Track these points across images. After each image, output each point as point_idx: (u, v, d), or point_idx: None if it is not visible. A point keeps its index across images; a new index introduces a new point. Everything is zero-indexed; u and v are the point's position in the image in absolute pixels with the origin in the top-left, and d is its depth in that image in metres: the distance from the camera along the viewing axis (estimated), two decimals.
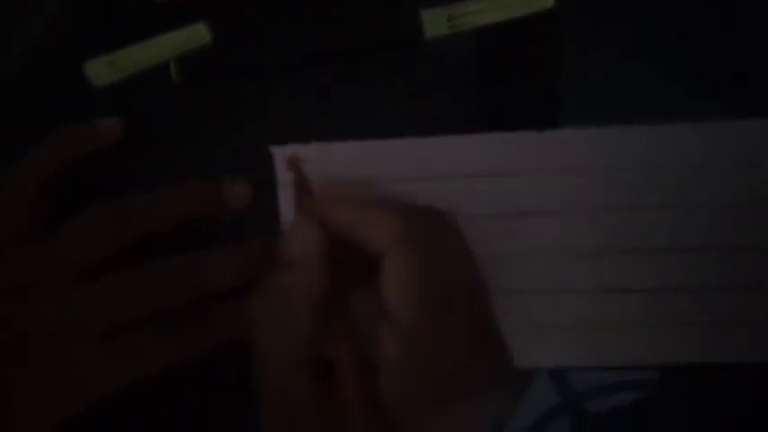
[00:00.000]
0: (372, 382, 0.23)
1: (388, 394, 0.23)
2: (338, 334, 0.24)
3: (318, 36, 0.32)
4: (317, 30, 0.32)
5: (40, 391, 0.27)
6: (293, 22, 0.33)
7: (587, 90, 0.33)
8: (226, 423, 0.33)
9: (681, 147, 0.31)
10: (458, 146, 0.32)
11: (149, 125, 0.33)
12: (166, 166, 0.33)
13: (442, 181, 0.32)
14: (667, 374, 0.37)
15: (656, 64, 0.33)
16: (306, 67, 0.32)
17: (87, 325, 0.28)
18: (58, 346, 0.27)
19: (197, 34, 0.32)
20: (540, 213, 0.32)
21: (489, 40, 0.32)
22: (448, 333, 0.23)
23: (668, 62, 0.33)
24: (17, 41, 0.33)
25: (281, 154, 0.32)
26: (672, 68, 0.33)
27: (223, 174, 0.32)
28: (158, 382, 0.28)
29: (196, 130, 0.33)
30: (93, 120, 0.31)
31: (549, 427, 0.42)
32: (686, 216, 0.31)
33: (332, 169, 0.31)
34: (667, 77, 0.33)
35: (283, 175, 0.32)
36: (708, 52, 0.33)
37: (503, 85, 0.33)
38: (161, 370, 0.28)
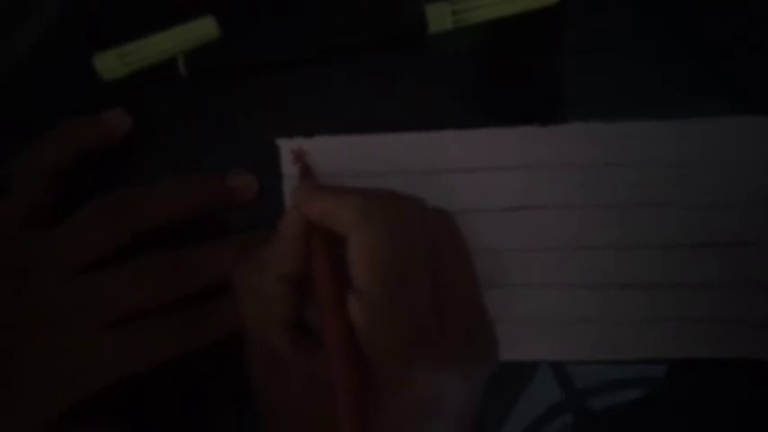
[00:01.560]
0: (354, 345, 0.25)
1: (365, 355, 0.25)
2: (322, 302, 0.26)
3: (324, 31, 0.32)
4: (323, 25, 0.33)
5: (42, 377, 0.28)
6: (299, 19, 0.33)
7: (589, 87, 0.33)
8: (223, 417, 0.33)
9: (684, 143, 0.31)
10: (461, 140, 0.32)
11: (157, 119, 0.33)
12: (173, 160, 0.33)
13: (445, 175, 0.32)
14: (671, 371, 0.37)
15: (658, 64, 0.33)
16: (311, 63, 0.33)
17: (91, 314, 0.28)
18: (62, 334, 0.28)
19: (205, 29, 0.32)
20: (543, 208, 0.32)
21: (492, 36, 0.33)
22: (406, 302, 0.25)
23: (670, 62, 0.33)
24: (26, 35, 0.33)
25: (286, 147, 0.32)
26: (674, 69, 0.33)
27: (229, 167, 0.32)
28: (158, 375, 0.28)
29: (203, 123, 0.33)
30: (103, 112, 0.32)
31: (552, 424, 0.42)
32: (689, 211, 0.31)
33: (336, 162, 0.32)
34: (669, 78, 0.33)
35: (289, 168, 0.32)
36: (710, 52, 0.33)
37: (506, 82, 0.33)
38: (165, 362, 0.28)
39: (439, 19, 0.31)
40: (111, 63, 0.32)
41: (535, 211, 0.32)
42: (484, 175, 0.32)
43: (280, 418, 0.26)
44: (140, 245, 0.29)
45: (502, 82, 0.33)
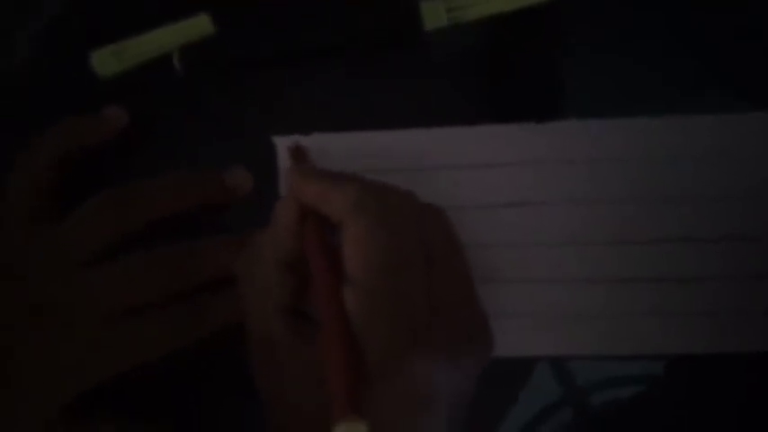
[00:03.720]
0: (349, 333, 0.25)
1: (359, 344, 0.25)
2: (317, 287, 0.26)
3: (319, 28, 0.32)
4: (318, 22, 0.33)
5: (42, 376, 0.28)
6: (294, 15, 0.33)
7: (589, 87, 0.33)
8: (219, 413, 0.33)
9: (682, 138, 0.31)
10: (458, 137, 0.32)
11: (153, 114, 0.33)
12: (169, 157, 0.33)
13: (444, 171, 0.32)
14: (670, 368, 0.37)
15: (658, 64, 0.33)
16: (306, 59, 0.33)
17: (91, 310, 0.28)
18: (65, 327, 0.28)
19: (200, 25, 0.32)
20: (542, 203, 0.32)
21: (488, 32, 0.33)
22: (398, 292, 0.25)
23: (670, 62, 0.33)
24: (24, 33, 0.33)
25: (283, 144, 0.32)
26: (674, 69, 0.33)
27: (226, 162, 0.32)
28: (154, 371, 0.28)
29: (199, 119, 0.33)
30: (100, 109, 0.32)
31: (552, 420, 0.42)
32: (688, 206, 0.31)
33: (333, 159, 0.32)
34: (669, 78, 0.33)
35: (285, 165, 0.32)
36: (710, 52, 0.33)
37: (503, 78, 0.33)
38: (163, 356, 0.29)
39: (434, 16, 0.31)
40: (107, 60, 0.32)
41: (535, 206, 0.32)
42: (483, 171, 0.32)
43: (281, 411, 0.26)
44: (138, 242, 0.30)
45: (500, 79, 0.33)
